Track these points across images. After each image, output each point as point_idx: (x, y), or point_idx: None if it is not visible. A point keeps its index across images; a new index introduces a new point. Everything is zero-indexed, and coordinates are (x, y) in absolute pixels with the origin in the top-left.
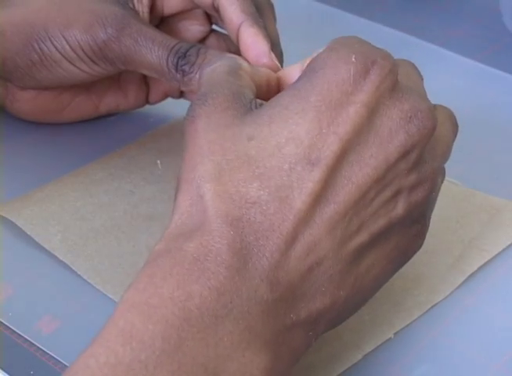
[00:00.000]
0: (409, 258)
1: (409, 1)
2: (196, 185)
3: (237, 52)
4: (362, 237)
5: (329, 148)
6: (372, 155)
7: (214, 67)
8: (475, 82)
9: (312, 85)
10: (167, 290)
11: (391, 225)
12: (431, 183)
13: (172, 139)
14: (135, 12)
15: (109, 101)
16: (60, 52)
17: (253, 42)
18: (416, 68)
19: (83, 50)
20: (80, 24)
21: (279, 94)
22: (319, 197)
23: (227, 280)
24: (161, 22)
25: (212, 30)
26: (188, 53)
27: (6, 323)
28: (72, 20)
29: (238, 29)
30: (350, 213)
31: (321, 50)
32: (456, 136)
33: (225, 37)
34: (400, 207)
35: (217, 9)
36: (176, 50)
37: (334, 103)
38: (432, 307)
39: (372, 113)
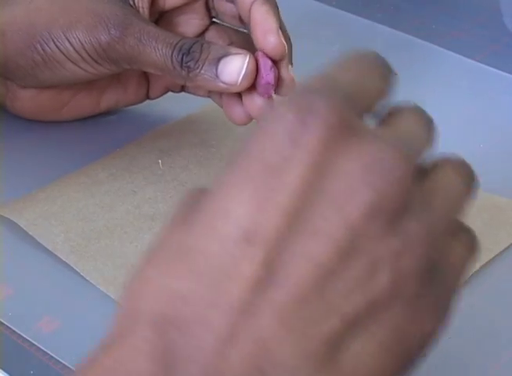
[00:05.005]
0: (426, 345)
1: (409, 1)
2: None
3: (238, 43)
4: (332, 323)
5: (268, 221)
6: (326, 220)
7: None
8: (475, 82)
9: (248, 154)
10: None
11: (375, 302)
12: (428, 246)
13: (173, 139)
14: (135, 10)
15: (110, 97)
16: (64, 54)
17: (262, 19)
18: (421, 116)
19: (86, 51)
20: (83, 26)
21: None
22: (263, 281)
23: None
24: (160, 16)
25: (212, 23)
26: (192, 50)
27: (6, 323)
28: (75, 21)
29: (250, 9)
30: (311, 297)
31: None
32: (471, 189)
33: (225, 29)
34: (383, 280)
35: None
36: (180, 47)
37: (271, 169)
38: None
39: (319, 172)
